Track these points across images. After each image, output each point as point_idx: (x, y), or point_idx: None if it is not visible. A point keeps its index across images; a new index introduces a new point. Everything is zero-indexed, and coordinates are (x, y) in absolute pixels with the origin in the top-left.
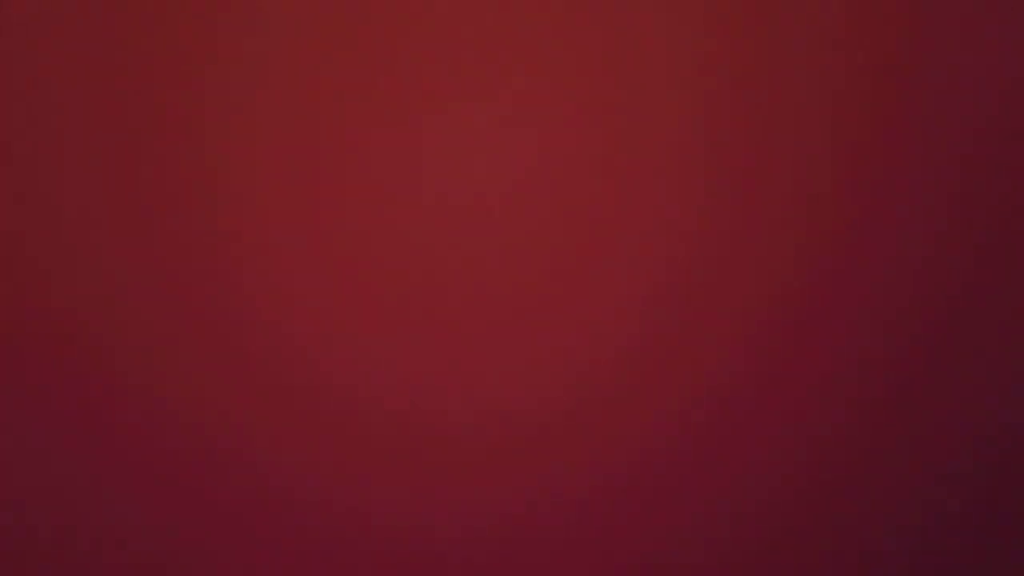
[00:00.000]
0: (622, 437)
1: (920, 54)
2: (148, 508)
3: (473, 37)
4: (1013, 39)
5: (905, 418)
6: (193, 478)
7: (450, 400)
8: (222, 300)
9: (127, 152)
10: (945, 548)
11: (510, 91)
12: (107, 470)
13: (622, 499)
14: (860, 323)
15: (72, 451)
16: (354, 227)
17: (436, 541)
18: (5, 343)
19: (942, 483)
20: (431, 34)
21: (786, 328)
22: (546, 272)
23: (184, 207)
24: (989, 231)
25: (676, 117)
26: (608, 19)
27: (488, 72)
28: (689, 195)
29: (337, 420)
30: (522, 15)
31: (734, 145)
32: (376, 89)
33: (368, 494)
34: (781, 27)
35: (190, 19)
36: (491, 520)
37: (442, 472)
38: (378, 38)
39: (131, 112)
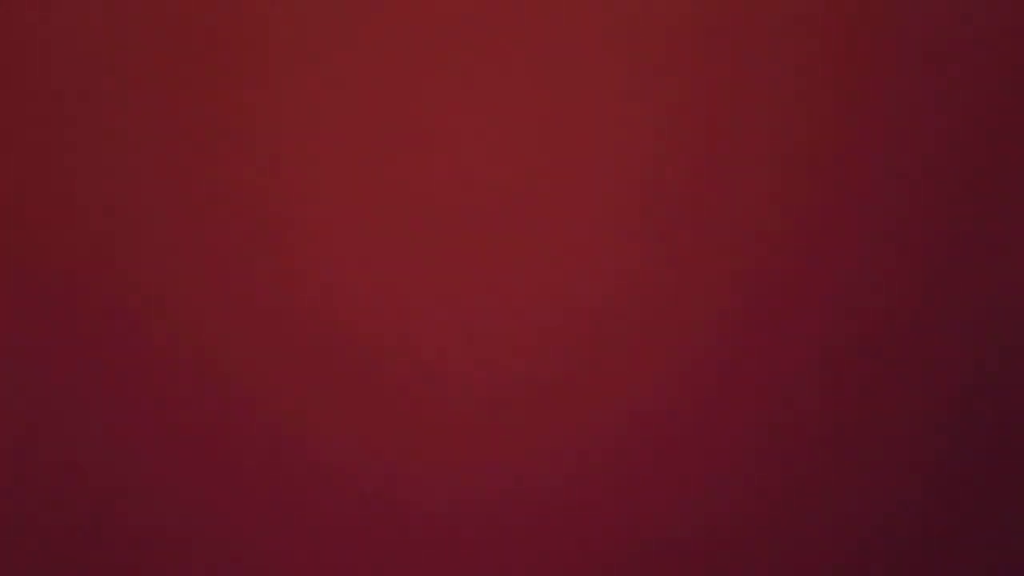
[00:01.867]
0: (595, 425)
1: (896, 45)
2: (170, 481)
3: (466, 38)
4: (997, 32)
5: (882, 407)
6: (229, 437)
7: (441, 388)
8: (255, 284)
9: (172, 143)
10: (923, 541)
11: (503, 88)
12: (144, 441)
13: (593, 486)
14: (836, 311)
15: (117, 415)
16: (358, 222)
17: (433, 504)
18: (59, 326)
19: (920, 475)
20: (431, 39)
21: (761, 318)
22: (526, 260)
23: (235, 191)
24: (971, 222)
25: (647, 110)
26: (588, 18)
27: (484, 69)
28: (662, 186)
29: (351, 381)
30: (515, 15)
31: (707, 135)
32: (388, 90)
33: (360, 477)
34: (757, 21)
35: (229, 21)
36: (472, 506)
37: (431, 456)
38: (391, 40)
39: (175, 104)
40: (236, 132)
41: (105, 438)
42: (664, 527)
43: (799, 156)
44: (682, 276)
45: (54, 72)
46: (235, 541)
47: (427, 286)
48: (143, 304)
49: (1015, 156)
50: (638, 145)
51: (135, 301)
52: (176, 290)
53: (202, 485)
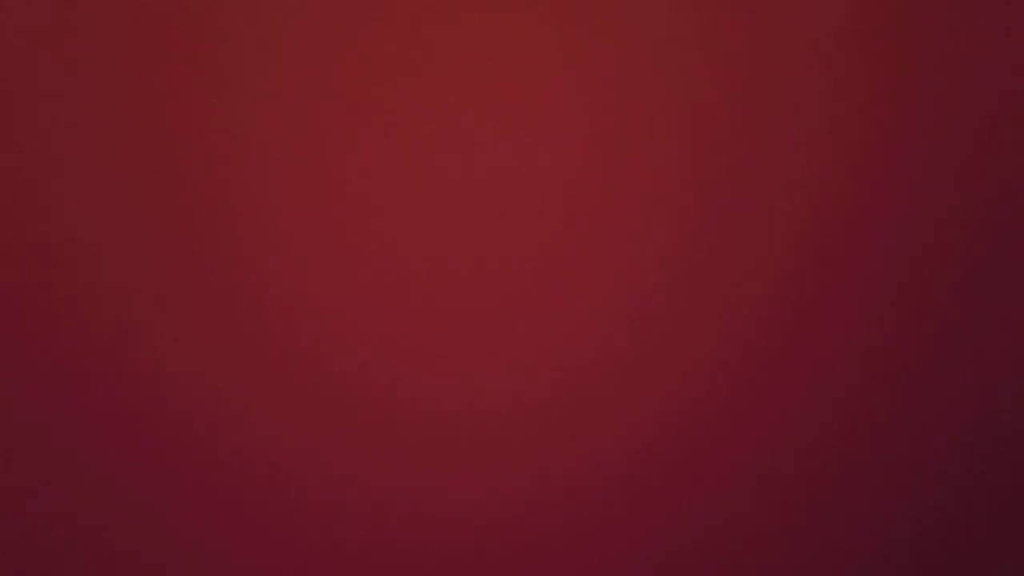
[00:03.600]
0: (619, 434)
1: (918, 49)
2: (155, 505)
3: (472, 36)
4: (1013, 36)
5: (901, 417)
6: (200, 473)
7: (450, 396)
8: (229, 296)
9: (140, 150)
10: (942, 548)
11: (508, 91)
12: (115, 464)
13: (616, 497)
14: (854, 320)
15: (81, 445)
16: (357, 224)
17: (434, 535)
18: (19, 339)
19: (939, 482)
20: (434, 38)
21: (779, 327)
22: (544, 269)
23: (195, 205)
24: (988, 228)
25: (670, 114)
26: (603, 18)
27: (486, 70)
28: (683, 193)
29: (338, 414)
30: (521, 17)
31: (729, 142)
32: (378, 91)
33: (366, 488)
34: (775, 25)
35: (204, 20)
36: (487, 515)
37: (441, 467)
38: (384, 40)
39: (144, 111)
40: (208, 156)
41: (78, 480)
42: (684, 548)
43: (830, 170)
44: (699, 296)
45: (14, 82)
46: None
47: (435, 313)
48: (110, 334)
49: None
50: (650, 171)
51: (105, 336)
52: (150, 323)
53: (181, 522)
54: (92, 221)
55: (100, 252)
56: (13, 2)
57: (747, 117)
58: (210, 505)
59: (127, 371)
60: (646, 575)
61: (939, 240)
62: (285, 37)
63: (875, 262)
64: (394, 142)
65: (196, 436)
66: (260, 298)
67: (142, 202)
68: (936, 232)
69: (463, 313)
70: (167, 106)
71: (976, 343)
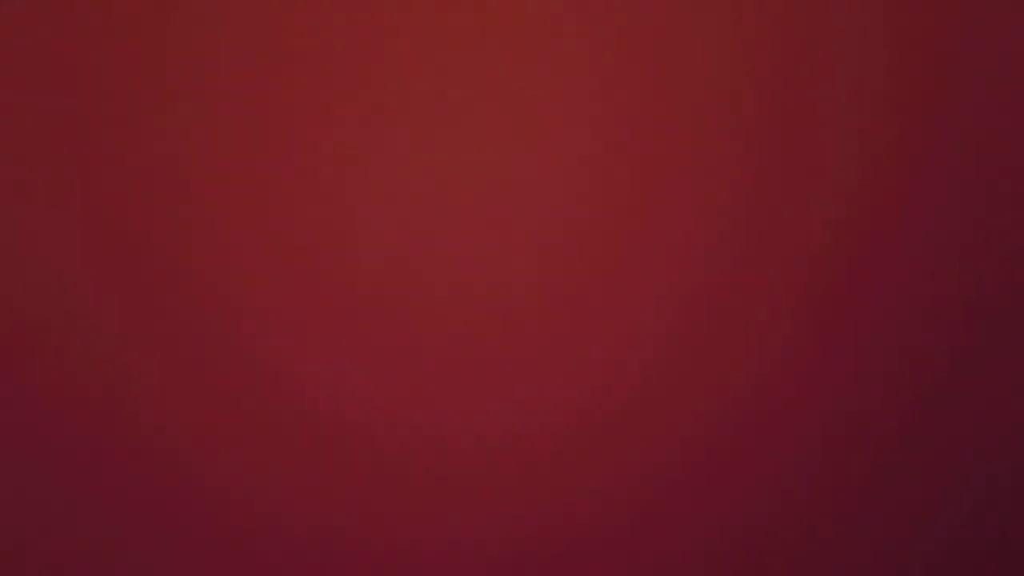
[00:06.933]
0: (640, 450)
1: (952, 53)
2: (122, 538)
3: (484, 29)
4: None
5: (934, 423)
6: (165, 499)
7: (457, 416)
8: (197, 312)
9: (96, 157)
10: (977, 552)
11: (519, 90)
12: (77, 495)
13: (640, 514)
14: (887, 329)
15: (40, 470)
16: (349, 232)
17: (441, 565)
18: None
19: (974, 488)
20: (437, 25)
21: (812, 336)
22: (559, 282)
23: (160, 217)
24: (1019, 234)
25: (700, 119)
26: (631, 15)
27: (496, 69)
28: (712, 201)
29: (327, 439)
30: (541, 10)
31: (760, 149)
32: (371, 86)
33: (360, 516)
34: (808, 26)
35: (164, 16)
36: (498, 541)
37: (453, 489)
38: (370, 29)
39: (98, 111)
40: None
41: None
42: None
43: (856, 173)
44: (728, 307)
45: None
46: None
47: (449, 330)
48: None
49: None
50: (679, 177)
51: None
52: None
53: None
54: (43, 232)
55: (50, 262)
56: None
57: (780, 122)
58: (176, 533)
59: (81, 387)
60: None
61: (977, 245)
62: (257, 29)
63: (910, 269)
64: (404, 144)
65: (160, 462)
66: (236, 319)
67: (98, 211)
68: (974, 237)
69: (479, 329)
70: (122, 105)
71: (1008, 351)
